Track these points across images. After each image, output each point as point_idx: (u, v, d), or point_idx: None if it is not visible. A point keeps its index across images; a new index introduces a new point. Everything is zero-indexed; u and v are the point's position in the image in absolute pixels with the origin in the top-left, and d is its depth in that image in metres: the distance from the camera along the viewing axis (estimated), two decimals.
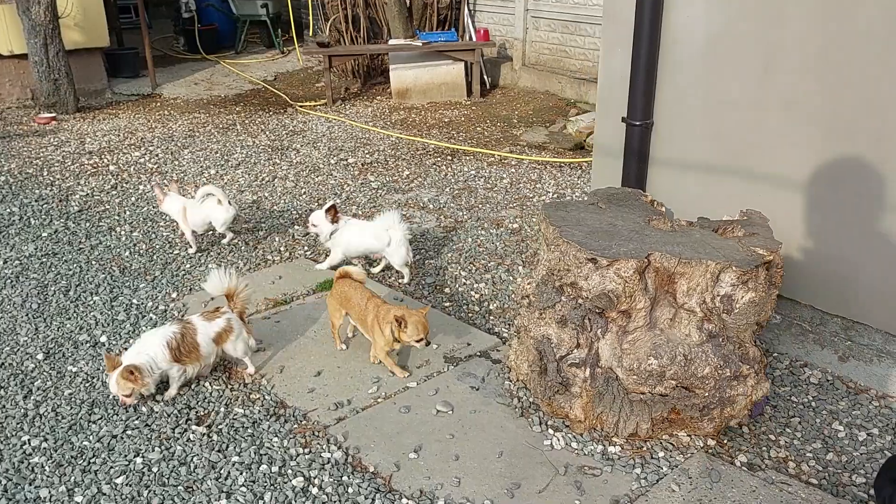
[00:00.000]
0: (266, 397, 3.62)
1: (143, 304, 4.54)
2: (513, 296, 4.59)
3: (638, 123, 4.21)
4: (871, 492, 3.01)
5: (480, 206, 6.04)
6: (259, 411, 3.51)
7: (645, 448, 3.27)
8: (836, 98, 3.58)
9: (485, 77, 9.95)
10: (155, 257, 5.17)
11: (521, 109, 9.08)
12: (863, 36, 3.45)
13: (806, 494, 2.98)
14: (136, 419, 3.46)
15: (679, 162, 4.31)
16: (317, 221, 4.77)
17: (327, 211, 4.71)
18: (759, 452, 3.26)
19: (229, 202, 5.13)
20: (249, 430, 3.38)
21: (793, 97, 3.73)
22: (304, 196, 6.32)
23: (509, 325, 4.28)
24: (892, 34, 3.36)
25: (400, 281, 4.79)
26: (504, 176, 6.74)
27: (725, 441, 3.32)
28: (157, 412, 3.51)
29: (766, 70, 3.80)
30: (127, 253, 5.24)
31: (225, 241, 5.31)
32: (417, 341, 3.58)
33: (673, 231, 3.38)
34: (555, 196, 6.23)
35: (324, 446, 3.27)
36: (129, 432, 3.37)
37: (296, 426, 3.41)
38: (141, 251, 5.26)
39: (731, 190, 4.09)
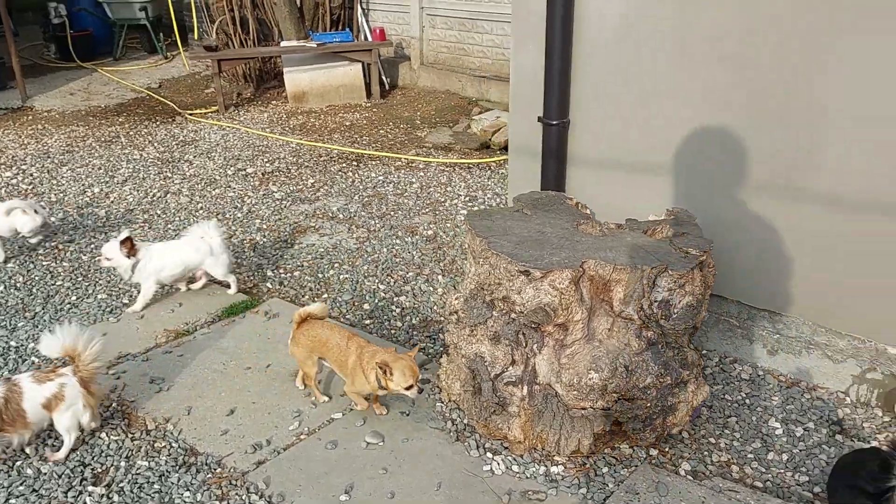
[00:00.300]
0: (173, 445, 3.24)
1: (22, 345, 4.03)
2: (435, 308, 4.37)
3: (555, 123, 4.07)
4: (816, 490, 2.97)
5: (392, 213, 5.78)
6: (166, 462, 3.13)
7: (588, 465, 3.12)
8: (757, 88, 3.52)
9: (383, 78, 9.68)
10: (34, 290, 4.63)
11: (423, 110, 8.86)
12: (777, 24, 3.41)
13: (755, 501, 2.91)
14: (21, 484, 3.01)
15: (596, 160, 4.20)
16: (111, 255, 4.29)
17: (122, 243, 4.25)
18: (702, 458, 3.18)
19: (35, 210, 5.06)
20: (156, 486, 3.00)
21: (710, 86, 3.67)
22: (201, 211, 5.88)
23: (434, 339, 4.05)
24: (811, 24, 3.33)
25: (229, 291, 4.56)
26: (413, 180, 6.51)
27: (667, 449, 3.22)
28: (45, 474, 3.07)
29: (681, 59, 3.72)
30: (1, 287, 4.67)
31: (38, 245, 5.17)
32: (407, 388, 3.15)
33: (603, 235, 3.24)
34: (466, 199, 6.05)
35: (244, 496, 2.94)
36: (13, 501, 2.92)
37: (210, 476, 3.05)
38: (17, 284, 4.70)
39: (650, 186, 4.01)
